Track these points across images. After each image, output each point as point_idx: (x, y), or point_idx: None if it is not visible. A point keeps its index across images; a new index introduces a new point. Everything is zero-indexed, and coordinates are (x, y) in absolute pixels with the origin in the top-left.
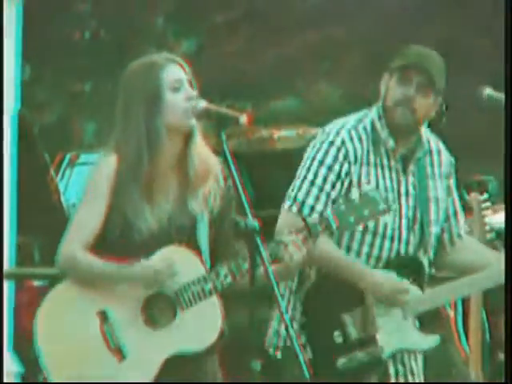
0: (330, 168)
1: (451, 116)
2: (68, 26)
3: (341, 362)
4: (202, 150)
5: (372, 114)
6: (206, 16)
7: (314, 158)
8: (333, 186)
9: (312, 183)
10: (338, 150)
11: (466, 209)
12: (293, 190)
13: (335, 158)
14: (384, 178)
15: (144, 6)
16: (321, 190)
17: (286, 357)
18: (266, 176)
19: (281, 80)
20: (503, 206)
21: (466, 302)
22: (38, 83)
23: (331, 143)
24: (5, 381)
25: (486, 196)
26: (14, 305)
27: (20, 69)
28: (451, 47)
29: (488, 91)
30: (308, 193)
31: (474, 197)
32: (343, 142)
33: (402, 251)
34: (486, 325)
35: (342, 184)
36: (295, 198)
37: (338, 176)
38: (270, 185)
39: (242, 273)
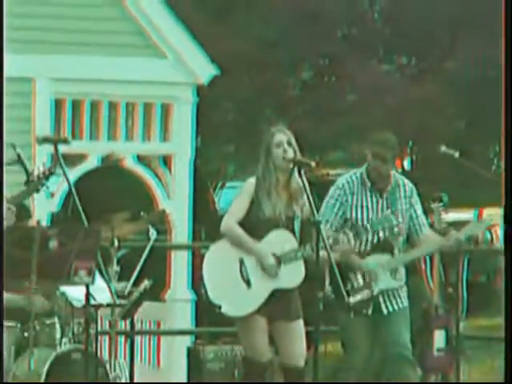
0: (336, 199)
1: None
2: None
3: (351, 299)
4: (296, 179)
5: (361, 170)
6: None
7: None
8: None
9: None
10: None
11: (429, 211)
12: None
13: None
14: (367, 201)
15: None
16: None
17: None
18: (322, 194)
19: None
20: (449, 209)
21: (432, 260)
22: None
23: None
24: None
25: (441, 204)
26: None
27: None
28: None
29: (443, 149)
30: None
31: (435, 205)
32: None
33: (381, 240)
34: (442, 272)
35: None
36: None
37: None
38: (323, 198)
39: (313, 249)
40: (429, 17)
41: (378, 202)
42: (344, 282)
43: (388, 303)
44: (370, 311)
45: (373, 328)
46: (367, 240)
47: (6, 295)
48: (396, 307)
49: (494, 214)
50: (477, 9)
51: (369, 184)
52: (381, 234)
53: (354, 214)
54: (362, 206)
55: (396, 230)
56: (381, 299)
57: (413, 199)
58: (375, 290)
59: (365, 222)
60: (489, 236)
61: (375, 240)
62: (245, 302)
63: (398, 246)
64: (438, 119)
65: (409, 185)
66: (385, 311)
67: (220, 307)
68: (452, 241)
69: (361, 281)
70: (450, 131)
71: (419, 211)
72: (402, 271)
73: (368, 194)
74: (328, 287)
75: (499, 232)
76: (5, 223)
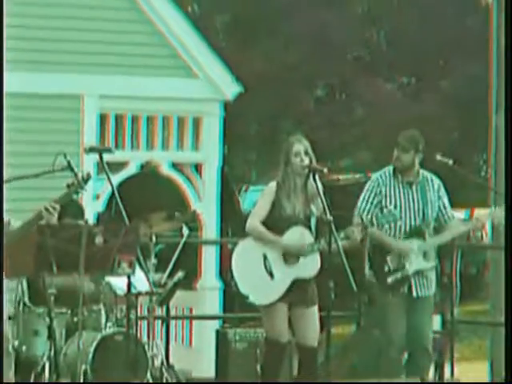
0: (371, 191)
1: None
2: None
3: (389, 279)
4: (311, 183)
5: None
6: None
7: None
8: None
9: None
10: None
11: None
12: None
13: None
14: (399, 191)
15: None
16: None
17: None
18: (333, 196)
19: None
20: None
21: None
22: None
23: (371, 180)
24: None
25: None
26: None
27: None
28: None
29: (438, 157)
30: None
31: None
32: (376, 178)
33: (412, 226)
34: (438, 265)
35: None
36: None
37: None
38: (336, 200)
39: (327, 244)
40: (426, 42)
41: (408, 193)
42: (381, 265)
43: (419, 286)
44: (405, 290)
45: (407, 309)
46: (401, 226)
47: (56, 282)
48: (425, 293)
49: (484, 214)
50: (468, 36)
51: (399, 176)
52: (386, 227)
53: (387, 202)
54: (394, 196)
55: (399, 223)
56: (413, 281)
57: (441, 192)
58: (410, 271)
59: (397, 209)
60: (479, 233)
61: (408, 227)
62: (269, 291)
63: (429, 232)
64: (434, 131)
65: (437, 181)
66: (414, 294)
67: (248, 297)
68: (476, 224)
69: (396, 262)
70: (444, 142)
71: (447, 203)
72: (433, 254)
73: (400, 185)
74: (368, 271)
75: (488, 230)
76: (49, 221)
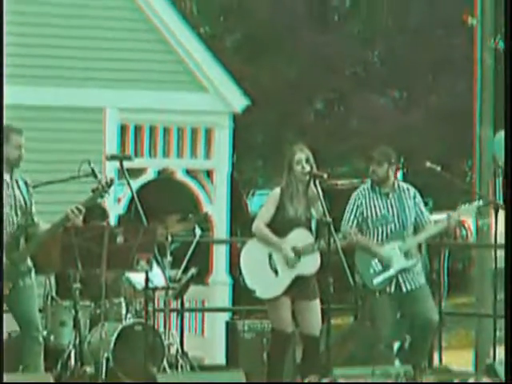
0: (353, 204)
1: None
2: None
3: (374, 281)
4: (312, 188)
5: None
6: None
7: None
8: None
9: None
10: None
11: None
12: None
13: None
14: (377, 201)
15: None
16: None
17: None
18: (332, 199)
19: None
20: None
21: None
22: None
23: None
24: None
25: (427, 207)
26: None
27: None
28: None
29: (428, 164)
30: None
31: None
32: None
33: (393, 231)
34: (428, 262)
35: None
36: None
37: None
38: (335, 203)
39: (327, 244)
40: (416, 60)
41: (386, 203)
42: (368, 268)
43: (407, 282)
44: (392, 289)
45: (398, 305)
46: (383, 231)
47: (81, 277)
48: (414, 286)
49: (468, 208)
50: (454, 54)
51: (377, 188)
52: (380, 229)
53: (368, 212)
54: (374, 206)
55: (380, 229)
56: (400, 279)
57: (417, 199)
58: (393, 271)
59: (378, 218)
60: (464, 232)
61: (389, 232)
62: (273, 287)
63: (408, 234)
64: (424, 141)
65: (412, 189)
66: (404, 289)
67: (255, 291)
68: (450, 222)
69: (380, 265)
70: (433, 150)
71: (423, 208)
72: (413, 252)
73: (378, 196)
74: (357, 275)
75: (473, 229)
76: (75, 223)
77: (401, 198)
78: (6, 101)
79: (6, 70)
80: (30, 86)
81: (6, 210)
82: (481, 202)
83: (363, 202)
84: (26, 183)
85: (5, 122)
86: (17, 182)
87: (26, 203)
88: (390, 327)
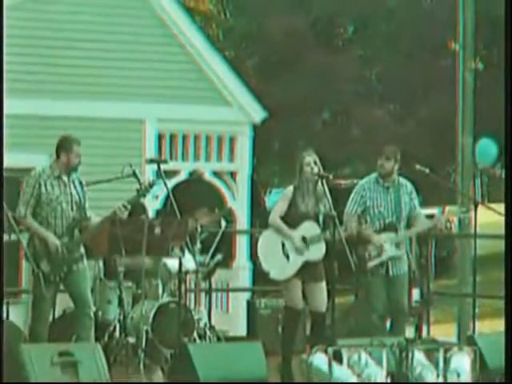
0: (358, 193)
1: None
2: None
3: (369, 264)
4: (320, 187)
5: (376, 173)
6: None
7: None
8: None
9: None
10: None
11: None
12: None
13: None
14: (379, 194)
15: None
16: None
17: None
18: (337, 197)
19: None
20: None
21: (411, 241)
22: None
23: (358, 185)
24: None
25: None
26: None
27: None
28: None
29: (418, 167)
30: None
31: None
32: (362, 184)
33: (389, 221)
34: (417, 249)
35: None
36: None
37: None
38: (339, 200)
39: (332, 235)
40: (408, 79)
41: (386, 195)
42: (364, 253)
43: (394, 268)
44: (383, 272)
45: (386, 285)
46: (380, 221)
47: (125, 262)
48: (399, 272)
49: (453, 210)
50: (440, 74)
51: (381, 181)
52: (378, 218)
53: (370, 202)
54: (376, 198)
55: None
56: (389, 264)
57: (412, 195)
58: (385, 257)
59: (378, 209)
60: (448, 225)
61: (386, 222)
62: (285, 270)
63: (401, 227)
64: (414, 147)
65: (409, 185)
66: (391, 273)
67: (269, 273)
68: (436, 222)
69: (375, 251)
70: (422, 155)
71: (417, 204)
72: (404, 244)
73: (380, 189)
74: (354, 258)
75: (455, 222)
76: (121, 217)
77: (398, 193)
78: (64, 113)
79: (67, 88)
80: (84, 101)
81: (63, 206)
82: (463, 209)
83: (367, 193)
84: (80, 183)
85: (64, 131)
86: (73, 182)
87: (80, 200)
88: (380, 302)
